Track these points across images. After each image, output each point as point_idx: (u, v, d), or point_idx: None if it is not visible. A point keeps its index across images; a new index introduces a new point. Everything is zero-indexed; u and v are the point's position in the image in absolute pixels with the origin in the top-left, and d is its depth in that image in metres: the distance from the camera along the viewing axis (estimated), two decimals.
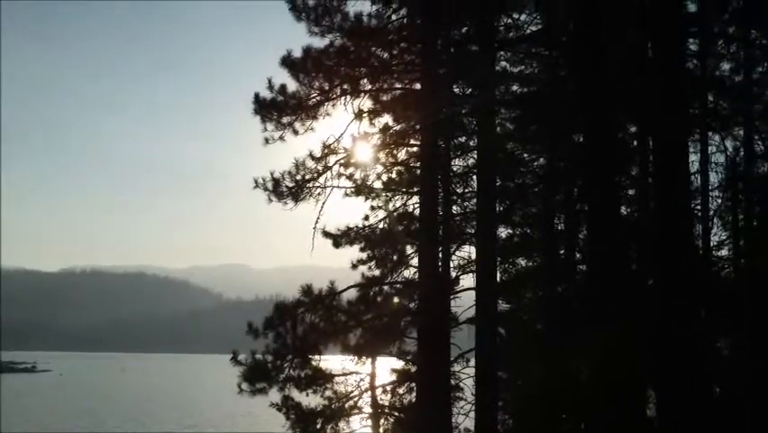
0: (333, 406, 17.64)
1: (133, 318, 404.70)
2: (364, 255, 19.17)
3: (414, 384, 18.24)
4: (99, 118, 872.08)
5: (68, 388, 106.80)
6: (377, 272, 19.13)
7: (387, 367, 19.11)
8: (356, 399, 17.98)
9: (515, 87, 18.86)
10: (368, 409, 18.11)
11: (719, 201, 17.74)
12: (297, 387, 17.05)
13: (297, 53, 16.43)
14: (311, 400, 17.75)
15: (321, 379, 17.39)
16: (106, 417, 65.85)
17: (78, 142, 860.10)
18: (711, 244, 17.48)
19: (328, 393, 17.68)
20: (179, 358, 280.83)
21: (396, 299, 18.57)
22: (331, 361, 18.27)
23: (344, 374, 17.98)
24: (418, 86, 17.60)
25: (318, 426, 17.09)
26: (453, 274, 19.27)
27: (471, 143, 19.18)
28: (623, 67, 15.19)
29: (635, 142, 17.67)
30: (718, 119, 17.66)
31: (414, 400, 18.07)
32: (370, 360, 18.04)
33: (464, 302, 19.31)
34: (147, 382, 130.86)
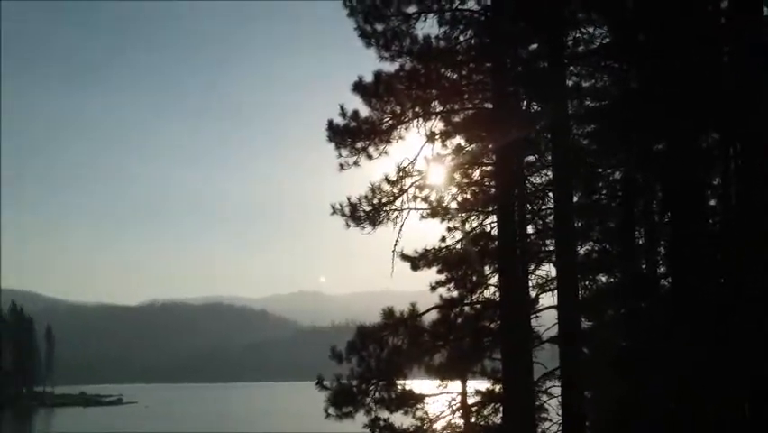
0: (424, 427, 17.59)
1: (213, 349, 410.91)
2: (442, 277, 18.98)
3: (499, 405, 18.04)
4: (165, 156, 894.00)
5: (156, 419, 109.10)
6: (455, 294, 18.97)
7: (471, 389, 18.92)
8: (448, 418, 17.87)
9: (587, 102, 18.65)
10: (459, 430, 17.95)
11: None
12: (388, 409, 17.02)
13: (368, 78, 16.55)
14: (402, 421, 17.74)
15: (411, 399, 17.34)
16: None
17: (149, 180, 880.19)
18: None
19: (419, 414, 17.64)
20: (259, 387, 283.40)
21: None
22: (416, 384, 18.17)
23: (435, 394, 17.91)
24: (489, 105, 17.51)
25: None
26: (533, 293, 19.02)
27: (545, 161, 18.99)
28: (698, 72, 14.90)
29: (716, 152, 17.25)
30: None
31: (500, 420, 17.85)
32: (459, 380, 17.93)
33: (544, 321, 19.08)
34: (232, 410, 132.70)
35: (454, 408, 17.84)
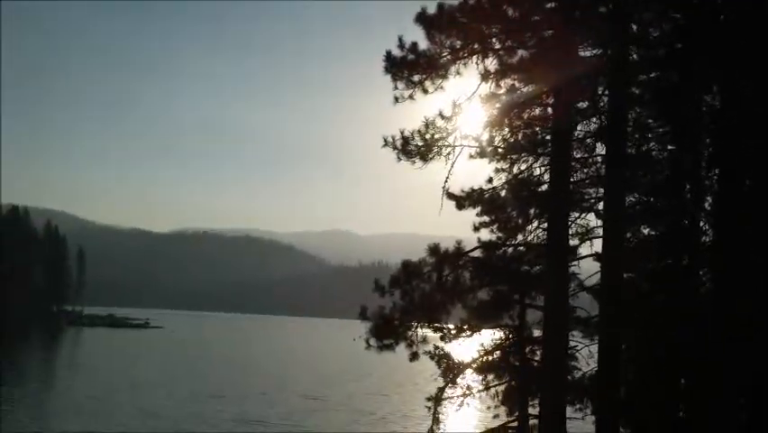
0: (482, 358, 17.82)
1: (240, 281, 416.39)
2: (486, 218, 18.93)
3: (535, 347, 18.14)
4: (211, 93, 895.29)
5: (179, 343, 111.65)
6: (494, 237, 18.91)
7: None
8: (506, 351, 18.03)
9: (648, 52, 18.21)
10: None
11: None
12: (443, 339, 17.19)
13: (432, 10, 16.17)
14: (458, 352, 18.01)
15: (468, 330, 17.50)
16: (211, 366, 68.88)
17: (194, 117, 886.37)
18: None
19: (476, 346, 17.82)
20: (283, 320, 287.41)
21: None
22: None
23: (493, 327, 18.05)
24: (548, 46, 17.16)
25: (466, 376, 17.25)
26: (572, 242, 18.89)
27: (598, 107, 18.65)
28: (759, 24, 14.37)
29: None
30: None
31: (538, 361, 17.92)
32: (518, 312, 18.02)
33: (582, 270, 19.06)
34: (255, 340, 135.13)
35: (511, 340, 17.95)
